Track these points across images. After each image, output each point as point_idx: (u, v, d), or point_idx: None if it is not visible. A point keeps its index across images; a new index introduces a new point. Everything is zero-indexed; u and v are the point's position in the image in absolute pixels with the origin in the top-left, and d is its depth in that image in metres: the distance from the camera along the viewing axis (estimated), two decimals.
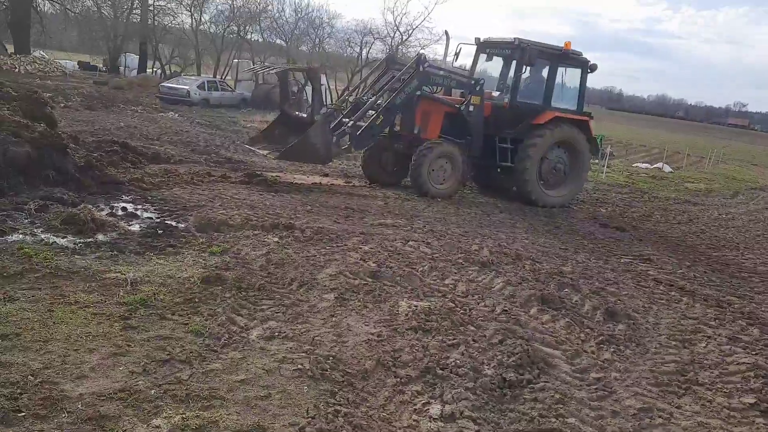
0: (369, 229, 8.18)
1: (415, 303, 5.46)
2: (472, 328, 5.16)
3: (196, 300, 4.92)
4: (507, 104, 12.69)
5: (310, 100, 12.02)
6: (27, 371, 3.50)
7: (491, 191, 13.54)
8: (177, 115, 21.65)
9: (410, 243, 7.64)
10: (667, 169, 25.39)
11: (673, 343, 5.57)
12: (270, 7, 41.55)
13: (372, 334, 4.71)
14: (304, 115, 11.87)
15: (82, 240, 6.00)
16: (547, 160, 12.70)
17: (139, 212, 7.53)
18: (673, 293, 7.20)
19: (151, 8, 41.70)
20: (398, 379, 4.10)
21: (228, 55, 41.36)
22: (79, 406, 3.24)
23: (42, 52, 40.01)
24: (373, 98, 11.86)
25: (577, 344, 5.22)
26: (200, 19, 42.38)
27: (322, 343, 4.47)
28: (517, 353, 4.69)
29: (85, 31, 41.92)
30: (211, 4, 42.82)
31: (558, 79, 12.97)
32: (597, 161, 19.80)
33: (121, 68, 42.08)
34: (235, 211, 8.06)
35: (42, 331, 4.01)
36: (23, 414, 3.09)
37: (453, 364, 4.41)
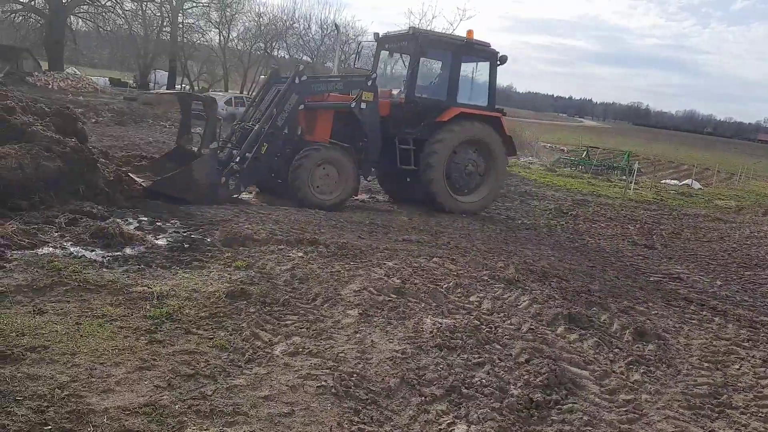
0: (393, 245, 8.15)
1: (439, 320, 5.40)
2: (498, 346, 5.08)
3: (221, 314, 4.93)
4: (402, 100, 11.54)
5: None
6: (54, 384, 3.52)
7: (400, 198, 12.53)
8: None
9: (435, 259, 7.59)
10: (697, 185, 25.00)
11: (706, 364, 5.42)
12: (296, 24, 42.13)
13: (396, 351, 4.67)
14: (195, 149, 10.26)
15: (110, 253, 6.06)
16: (456, 162, 11.61)
17: (166, 226, 7.61)
18: (704, 313, 7.03)
19: (180, 26, 42.62)
20: (423, 398, 4.05)
21: (255, 72, 41.97)
22: (105, 420, 3.24)
23: (74, 69, 41.02)
24: (258, 124, 10.28)
25: (606, 365, 5.11)
26: (228, 36, 43.23)
27: (346, 359, 4.44)
28: (544, 373, 4.60)
29: (116, 49, 42.96)
30: (238, 21, 43.54)
31: (468, 74, 12.10)
32: (624, 178, 19.55)
33: (151, 84, 42.92)
34: (260, 225, 8.10)
35: (69, 344, 4.05)
36: (50, 427, 3.10)
37: (479, 383, 4.34)
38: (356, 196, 11.26)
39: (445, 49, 11.76)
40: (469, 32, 11.73)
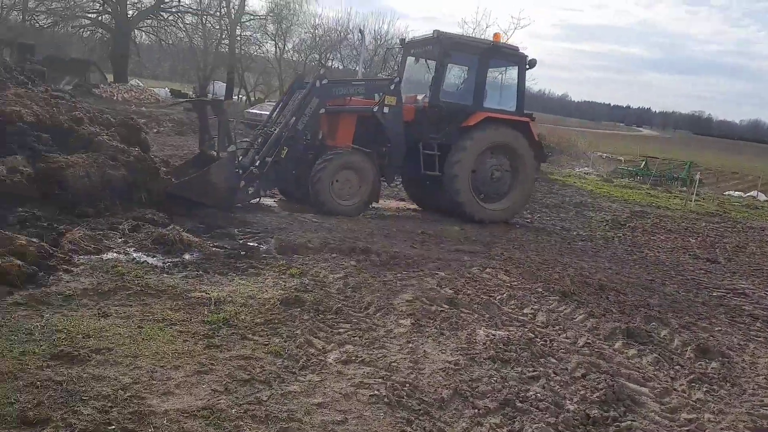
0: (445, 255, 8.12)
1: (493, 332, 5.35)
2: (553, 360, 4.99)
3: (276, 321, 5.01)
4: (426, 104, 11.26)
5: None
6: (118, 385, 3.65)
7: (426, 205, 12.24)
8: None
9: (488, 270, 7.52)
10: (763, 197, 23.99)
11: None
12: (350, 36, 42.61)
13: (449, 362, 4.64)
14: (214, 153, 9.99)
15: (170, 259, 6.26)
16: (481, 167, 11.25)
17: (223, 234, 7.79)
18: None
19: (238, 38, 43.75)
20: (476, 410, 4.00)
21: None
22: (165, 422, 3.34)
23: (138, 81, 42.62)
24: (278, 128, 10.24)
25: (667, 382, 4.94)
26: (284, 47, 44.04)
27: (398, 369, 4.44)
28: (601, 389, 4.49)
29: (177, 61, 44.44)
30: (294, 33, 44.39)
31: (496, 78, 11.72)
32: (684, 189, 18.91)
33: (209, 95, 44.15)
34: (314, 234, 8.21)
35: (132, 347, 4.19)
36: (113, 427, 3.21)
37: (533, 397, 4.27)
38: (377, 202, 11.09)
39: (470, 53, 11.49)
40: (496, 35, 11.58)
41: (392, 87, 10.77)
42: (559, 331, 5.71)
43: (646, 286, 8.01)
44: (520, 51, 11.77)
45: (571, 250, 9.91)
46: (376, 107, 10.60)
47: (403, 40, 12.68)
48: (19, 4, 31.28)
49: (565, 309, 6.41)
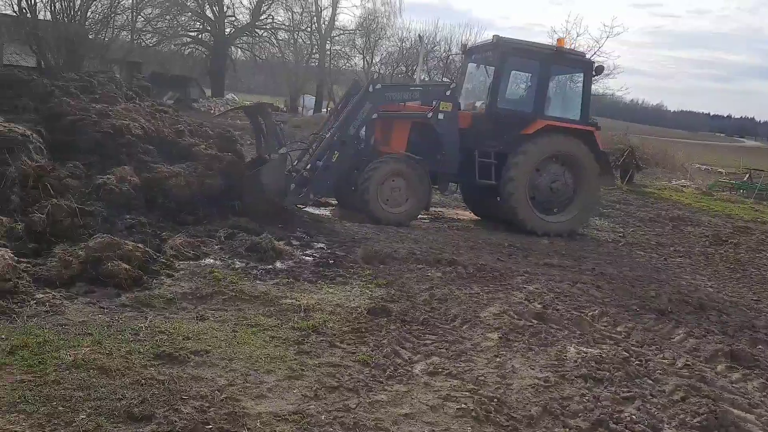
0: (533, 269, 7.95)
1: (584, 349, 5.18)
2: (650, 381, 4.76)
3: (363, 330, 5.07)
4: (483, 111, 10.91)
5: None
6: (214, 386, 3.81)
7: (485, 216, 11.83)
8: None
9: (578, 285, 7.29)
10: None
11: None
12: (437, 48, 42.71)
13: (538, 378, 4.53)
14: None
15: (263, 266, 6.49)
16: (540, 178, 10.76)
17: (312, 242, 7.99)
18: None
19: (328, 53, 44.92)
20: (567, 430, 3.88)
21: None
22: (258, 424, 3.45)
23: (233, 95, 44.57)
24: (330, 133, 10.02)
25: None
26: (372, 60, 44.78)
27: (486, 383, 4.38)
28: (702, 413, 4.24)
29: (269, 75, 46.16)
30: (381, 46, 45.07)
31: (559, 85, 11.15)
32: None
33: (300, 108, 45.49)
34: (400, 244, 8.26)
35: (227, 350, 4.36)
36: (210, 427, 3.36)
37: (628, 419, 4.09)
38: (428, 211, 10.83)
39: (532, 59, 11.06)
40: (560, 40, 11.11)
41: (447, 93, 10.53)
42: (656, 351, 5.45)
43: (751, 307, 7.52)
44: (586, 57, 11.34)
45: (667, 267, 9.45)
46: (431, 113, 10.38)
47: (464, 47, 12.50)
48: (129, 25, 33.56)
49: (663, 328, 6.12)
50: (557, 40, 11.18)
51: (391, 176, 9.98)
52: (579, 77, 11.52)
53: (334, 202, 11.45)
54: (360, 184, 9.88)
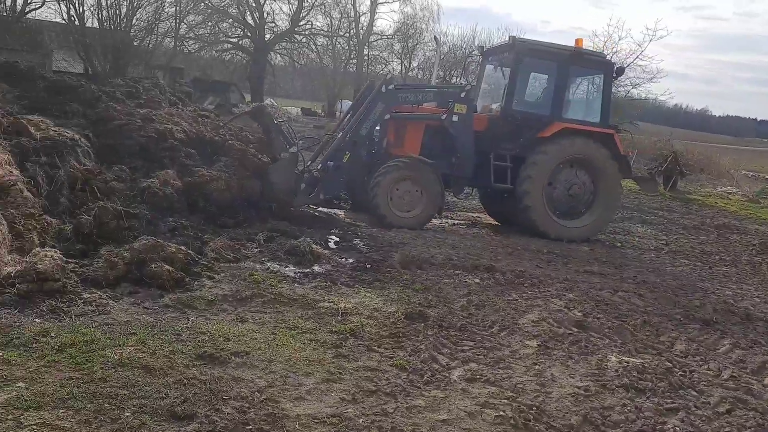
0: (573, 276, 7.84)
1: (626, 359, 5.08)
2: (694, 392, 4.65)
3: (400, 335, 5.08)
4: (498, 113, 10.59)
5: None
6: (254, 388, 3.86)
7: (503, 221, 11.60)
8: None
9: (620, 293, 7.16)
10: None
11: None
12: (475, 53, 42.54)
13: (578, 387, 4.46)
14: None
15: (301, 270, 6.56)
16: (559, 182, 10.46)
17: (350, 247, 8.03)
18: None
19: (365, 58, 45.21)
20: None
21: None
22: (297, 426, 3.48)
23: (272, 100, 45.13)
24: (341, 133, 9.89)
25: None
26: (409, 65, 44.89)
27: (524, 391, 4.33)
28: (749, 427, 4.12)
29: (308, 80, 46.66)
30: (419, 51, 45.14)
31: (579, 87, 10.74)
32: None
33: (337, 113, 45.83)
34: (437, 250, 8.23)
35: (267, 352, 4.42)
36: (250, 427, 3.40)
37: (671, 430, 3.99)
38: (440, 215, 10.57)
39: (549, 60, 10.77)
40: (578, 41, 10.72)
41: (462, 95, 10.27)
42: (701, 362, 5.32)
43: None
44: (606, 58, 10.98)
45: (712, 275, 9.20)
46: (445, 115, 10.16)
47: (481, 48, 12.32)
48: (172, 32, 34.36)
49: (708, 338, 5.97)
50: (575, 40, 10.72)
51: (400, 180, 9.79)
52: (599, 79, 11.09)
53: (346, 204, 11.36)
54: (370, 189, 9.74)
